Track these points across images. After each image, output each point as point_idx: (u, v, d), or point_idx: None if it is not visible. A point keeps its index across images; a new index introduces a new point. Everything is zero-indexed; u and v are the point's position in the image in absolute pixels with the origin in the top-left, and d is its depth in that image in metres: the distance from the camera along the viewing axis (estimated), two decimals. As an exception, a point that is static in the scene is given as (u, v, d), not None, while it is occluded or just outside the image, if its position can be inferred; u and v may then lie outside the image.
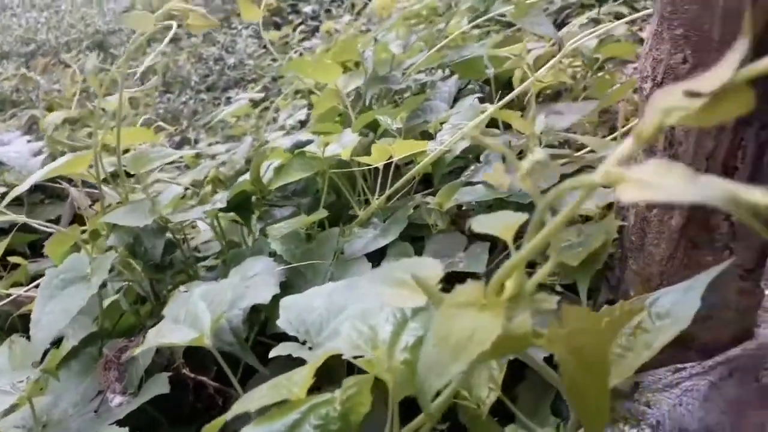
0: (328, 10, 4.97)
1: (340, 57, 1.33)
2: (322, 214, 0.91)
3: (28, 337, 1.23)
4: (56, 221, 1.75)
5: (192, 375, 0.93)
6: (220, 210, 0.99)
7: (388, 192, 0.93)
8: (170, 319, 0.77)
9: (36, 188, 1.75)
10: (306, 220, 0.90)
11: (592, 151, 1.02)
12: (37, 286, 1.44)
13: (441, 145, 0.88)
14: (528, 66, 1.07)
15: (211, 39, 5.05)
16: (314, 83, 2.42)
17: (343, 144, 0.92)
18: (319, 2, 5.01)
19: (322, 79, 1.19)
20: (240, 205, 1.03)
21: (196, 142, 3.28)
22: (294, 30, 4.60)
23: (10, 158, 1.72)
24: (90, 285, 0.87)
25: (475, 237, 0.91)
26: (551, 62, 0.93)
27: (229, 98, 3.91)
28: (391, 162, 0.95)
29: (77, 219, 1.87)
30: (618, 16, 2.06)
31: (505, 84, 1.44)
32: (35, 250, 1.71)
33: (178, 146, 3.26)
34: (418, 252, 0.89)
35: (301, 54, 4.15)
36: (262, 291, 0.77)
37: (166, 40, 0.93)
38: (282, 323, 0.62)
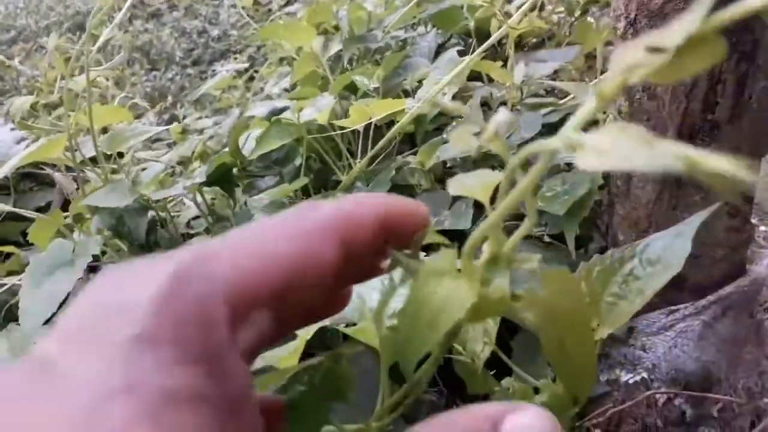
0: (308, -26, 4.84)
1: (314, 19, 1.28)
2: (302, 181, 0.89)
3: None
4: (46, 208, 1.73)
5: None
6: (202, 184, 0.96)
7: (369, 154, 0.90)
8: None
9: (25, 176, 1.72)
10: (287, 188, 0.87)
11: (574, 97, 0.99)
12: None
13: (419, 102, 0.85)
14: (501, 13, 1.02)
15: (194, 12, 4.96)
16: (296, 49, 2.36)
17: (318, 108, 0.89)
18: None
19: (297, 43, 1.14)
20: (222, 178, 1.00)
21: (185, 117, 3.23)
22: (277, -3, 4.49)
23: (-6, 148, 1.69)
24: (74, 269, 0.85)
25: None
26: (523, 7, 0.88)
27: (215, 71, 3.83)
28: (371, 124, 0.92)
29: (67, 204, 1.85)
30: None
31: (486, 35, 1.40)
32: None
33: (167, 123, 3.21)
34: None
35: (281, 17, 4.06)
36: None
37: (123, 10, 0.88)
38: None
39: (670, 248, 0.58)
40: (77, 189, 1.60)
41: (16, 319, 1.32)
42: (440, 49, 1.25)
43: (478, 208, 0.82)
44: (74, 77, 0.97)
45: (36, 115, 2.15)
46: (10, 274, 1.44)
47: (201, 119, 2.49)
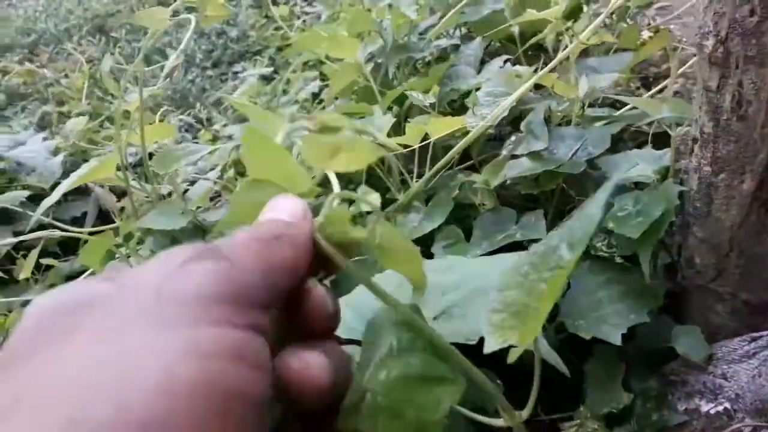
0: (325, -27, 4.80)
1: (354, 28, 1.25)
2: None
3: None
4: (82, 218, 1.71)
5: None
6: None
7: (429, 173, 0.88)
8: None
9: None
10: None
11: (632, 107, 0.96)
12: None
13: (483, 120, 0.82)
14: (563, 23, 0.99)
15: (212, 13, 4.92)
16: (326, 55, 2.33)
17: (378, 126, 0.86)
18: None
19: (339, 55, 1.12)
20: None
21: (209, 121, 3.23)
22: (296, -4, 4.48)
23: (27, 158, 1.68)
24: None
25: (523, 209, 0.86)
26: (596, 22, 0.85)
27: (235, 73, 3.82)
28: (428, 142, 0.89)
29: (102, 215, 1.84)
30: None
31: (529, 41, 1.37)
32: (66, 249, 1.68)
33: (190, 127, 3.21)
34: (467, 233, 0.84)
35: (304, 21, 4.03)
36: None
37: (186, 38, 0.86)
38: None
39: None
40: (117, 201, 1.59)
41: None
42: (484, 58, 1.22)
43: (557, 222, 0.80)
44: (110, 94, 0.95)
45: (62, 113, 2.14)
46: (51, 286, 1.43)
47: (227, 126, 2.48)
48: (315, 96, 2.23)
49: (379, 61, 1.29)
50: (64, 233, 1.64)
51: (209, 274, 0.26)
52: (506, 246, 0.79)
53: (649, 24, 1.55)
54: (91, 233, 1.41)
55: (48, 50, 4.62)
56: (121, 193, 1.65)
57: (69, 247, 1.70)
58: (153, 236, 0.93)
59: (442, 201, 0.87)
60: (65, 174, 1.64)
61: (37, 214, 0.93)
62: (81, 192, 1.82)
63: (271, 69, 2.74)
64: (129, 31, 4.73)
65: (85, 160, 1.81)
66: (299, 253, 0.31)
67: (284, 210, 0.32)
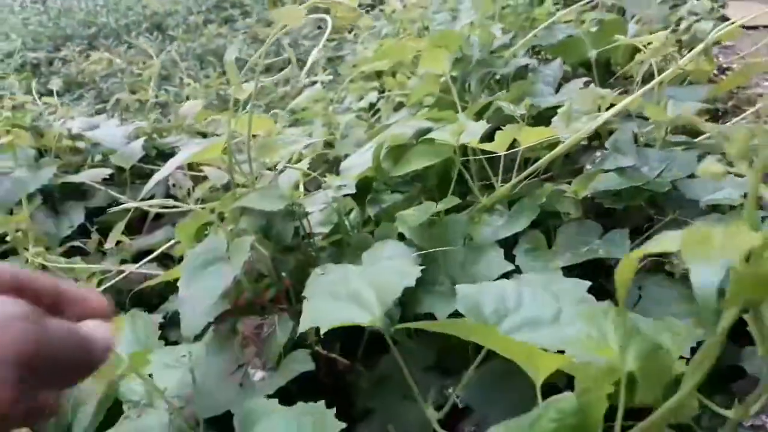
0: (380, -9, 4.91)
1: (442, 42, 1.30)
2: (453, 201, 0.91)
3: (148, 311, 1.27)
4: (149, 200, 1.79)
5: (324, 352, 0.94)
6: (345, 195, 1.00)
7: (515, 179, 0.92)
8: (324, 298, 0.77)
9: (123, 168, 1.78)
10: (438, 207, 0.90)
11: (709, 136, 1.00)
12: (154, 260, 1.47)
13: (576, 134, 0.87)
14: (647, 49, 1.04)
15: (266, 20, 5.06)
16: (388, 66, 2.39)
17: (471, 133, 0.91)
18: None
19: (428, 67, 1.17)
20: (360, 191, 1.03)
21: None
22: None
23: (106, 140, 1.76)
24: (233, 266, 0.88)
25: (609, 224, 0.90)
26: (696, 49, 0.90)
27: (287, 80, 3.90)
28: (514, 149, 0.94)
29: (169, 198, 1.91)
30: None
31: (605, 66, 1.42)
32: (130, 229, 1.75)
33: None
34: (549, 240, 0.89)
35: (355, 34, 4.12)
36: (407, 276, 0.77)
37: (324, 38, 0.92)
38: (460, 308, 0.64)
39: None
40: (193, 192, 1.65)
41: (141, 305, 1.38)
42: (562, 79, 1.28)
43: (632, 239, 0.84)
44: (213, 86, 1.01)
45: (141, 110, 2.23)
46: (123, 262, 1.49)
47: (286, 127, 2.54)
48: (372, 106, 2.30)
49: (453, 74, 1.35)
50: (136, 210, 1.72)
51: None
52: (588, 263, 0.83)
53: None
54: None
55: (107, 43, 4.75)
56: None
57: (133, 228, 1.78)
58: (248, 216, 0.98)
59: (527, 206, 0.91)
60: (145, 156, 1.72)
61: (150, 186, 0.99)
62: (147, 176, 1.90)
63: (331, 77, 2.80)
64: (185, 30, 4.86)
65: (156, 149, 1.89)
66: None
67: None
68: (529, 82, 1.22)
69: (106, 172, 1.52)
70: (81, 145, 1.81)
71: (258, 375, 0.89)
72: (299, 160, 1.38)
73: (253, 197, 0.96)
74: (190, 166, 1.80)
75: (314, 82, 2.62)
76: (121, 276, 1.35)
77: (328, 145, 2.11)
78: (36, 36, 4.52)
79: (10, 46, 4.34)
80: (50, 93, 3.02)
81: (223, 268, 0.90)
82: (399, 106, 2.23)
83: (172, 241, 1.45)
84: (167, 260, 1.63)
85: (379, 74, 2.72)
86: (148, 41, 4.64)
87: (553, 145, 0.97)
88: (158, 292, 1.46)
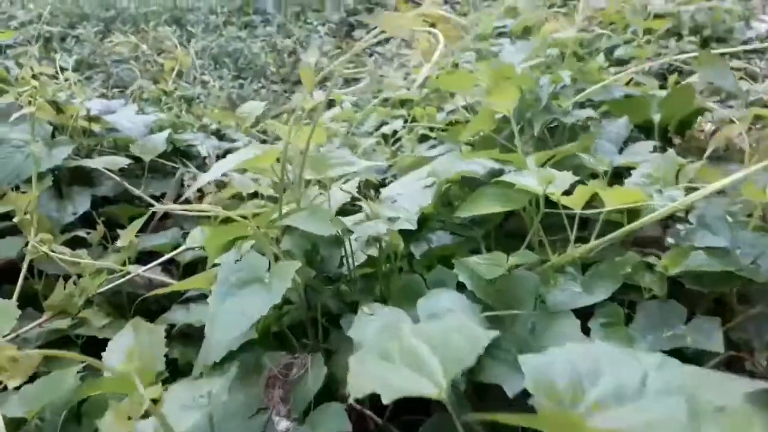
0: (404, 19, 4.86)
1: (509, 81, 1.21)
2: (528, 256, 0.81)
3: (150, 320, 1.15)
4: (159, 199, 1.67)
5: (358, 407, 0.83)
6: (401, 230, 0.89)
7: (595, 241, 0.83)
8: (374, 357, 0.66)
9: (137, 160, 1.66)
10: (511, 260, 0.80)
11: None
12: (162, 264, 1.35)
13: (672, 204, 0.78)
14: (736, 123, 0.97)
15: (287, 31, 4.99)
16: (419, 96, 2.31)
17: (560, 184, 0.82)
18: (396, 9, 4.92)
19: (496, 100, 1.09)
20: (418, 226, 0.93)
21: (265, 132, 3.21)
22: (368, 33, 4.54)
23: (126, 128, 1.64)
24: (272, 293, 0.77)
25: (695, 308, 0.81)
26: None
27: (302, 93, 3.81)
28: (592, 206, 0.85)
29: (177, 201, 1.79)
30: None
31: (665, 130, 1.34)
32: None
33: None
34: (628, 317, 0.79)
35: (374, 57, 4.06)
36: (477, 341, 0.67)
37: (435, 57, 0.82)
38: (528, 385, 0.53)
39: None
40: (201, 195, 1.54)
41: (139, 312, 1.25)
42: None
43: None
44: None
45: (163, 101, 2.11)
46: (125, 263, 1.37)
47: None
48: (394, 133, 2.21)
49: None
50: (138, 208, 1.59)
51: None
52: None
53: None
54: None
55: (124, 28, 4.65)
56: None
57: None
58: (292, 236, 0.88)
59: (607, 274, 0.82)
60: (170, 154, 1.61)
61: (194, 188, 0.88)
62: (158, 171, 1.78)
63: (356, 98, 2.72)
64: (204, 29, 4.77)
65: (173, 144, 1.78)
66: None
67: None
68: (592, 136, 1.14)
69: (125, 161, 1.41)
70: (96, 128, 1.69)
71: (283, 425, 0.77)
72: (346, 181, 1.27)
73: (303, 217, 0.85)
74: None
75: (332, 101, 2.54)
76: (126, 278, 1.22)
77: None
78: (53, 10, 4.40)
79: (26, 16, 4.21)
80: (60, 70, 2.90)
81: (260, 293, 0.79)
82: (423, 138, 2.15)
83: (182, 248, 1.33)
84: (170, 265, 1.51)
85: (402, 102, 2.64)
86: (165, 33, 4.54)
87: (634, 211, 0.89)
88: (156, 299, 1.34)
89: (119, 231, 1.46)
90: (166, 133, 1.55)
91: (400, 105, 2.62)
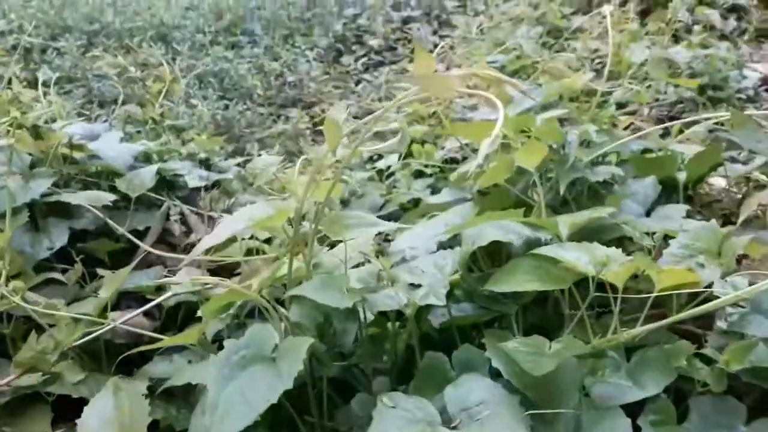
0: (393, 48, 4.85)
1: (540, 137, 1.12)
2: (575, 346, 0.71)
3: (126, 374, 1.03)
4: (143, 233, 1.54)
5: None
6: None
7: (644, 327, 0.74)
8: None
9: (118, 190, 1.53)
10: (554, 347, 0.70)
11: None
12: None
13: (736, 292, 0.69)
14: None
15: (274, 53, 4.91)
16: (419, 133, 2.21)
17: (614, 264, 0.73)
18: (385, 38, 4.88)
19: (523, 159, 1.00)
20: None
21: (249, 155, 3.10)
22: (356, 61, 4.50)
23: (110, 158, 1.52)
24: (281, 376, 0.66)
25: (743, 398, 0.72)
26: None
27: (287, 116, 3.73)
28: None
29: (164, 235, 1.66)
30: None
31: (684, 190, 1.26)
32: (116, 260, 1.49)
33: (232, 155, 3.10)
34: (680, 415, 0.70)
35: (357, 83, 3.98)
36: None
37: (497, 128, 0.72)
38: None
39: None
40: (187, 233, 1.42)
41: (122, 364, 1.13)
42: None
43: None
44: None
45: (146, 123, 1.98)
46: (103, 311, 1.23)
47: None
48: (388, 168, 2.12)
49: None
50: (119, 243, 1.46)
51: None
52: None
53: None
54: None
55: (108, 43, 4.52)
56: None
57: (118, 259, 1.52)
58: (302, 307, 0.77)
59: (655, 364, 0.73)
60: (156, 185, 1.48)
61: (199, 251, 0.76)
62: (145, 203, 1.65)
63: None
64: (191, 48, 4.66)
65: (159, 174, 1.65)
66: None
67: None
68: (619, 198, 1.05)
69: (109, 197, 1.29)
70: (78, 155, 1.57)
71: None
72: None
73: (315, 286, 0.75)
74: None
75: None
76: (106, 328, 1.10)
77: (342, 202, 1.91)
78: (35, 21, 4.25)
79: (7, 26, 4.06)
80: (37, 81, 2.77)
81: (268, 376, 0.68)
82: (418, 174, 2.06)
83: (168, 294, 1.21)
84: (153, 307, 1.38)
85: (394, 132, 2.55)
86: (150, 50, 4.43)
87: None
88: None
89: (98, 269, 1.34)
90: (154, 167, 1.43)
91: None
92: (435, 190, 1.83)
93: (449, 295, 0.84)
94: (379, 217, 1.83)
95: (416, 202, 1.81)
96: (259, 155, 3.16)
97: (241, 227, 0.74)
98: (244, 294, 0.77)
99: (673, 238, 0.90)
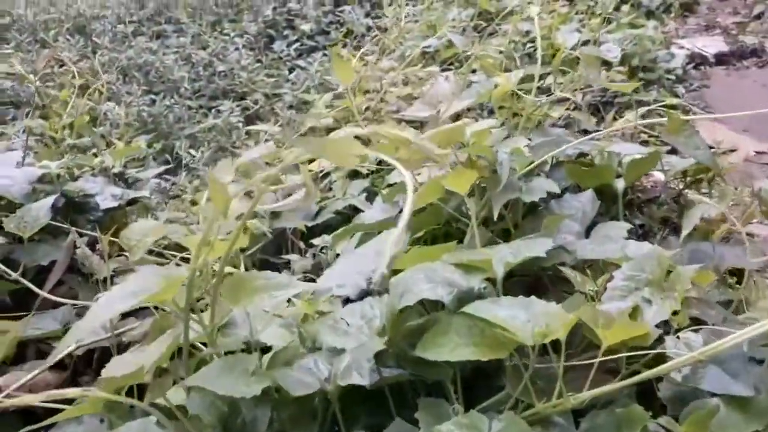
0: (326, 32, 4.67)
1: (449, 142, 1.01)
2: (515, 424, 0.61)
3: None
4: (48, 267, 1.37)
5: None
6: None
7: (590, 391, 0.64)
8: None
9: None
10: (494, 428, 0.59)
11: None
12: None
13: (691, 353, 0.60)
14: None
15: (201, 42, 4.66)
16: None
17: (554, 327, 0.62)
18: (317, 21, 4.68)
19: (454, 187, 0.88)
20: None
21: (178, 154, 2.92)
22: (289, 46, 4.30)
23: (1, 186, 1.33)
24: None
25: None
26: None
27: (218, 109, 3.52)
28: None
29: (71, 270, 1.48)
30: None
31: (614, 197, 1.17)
32: (20, 300, 1.32)
33: (159, 156, 2.90)
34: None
35: (291, 70, 3.80)
36: None
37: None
38: None
39: None
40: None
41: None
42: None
43: None
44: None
45: (53, 139, 1.77)
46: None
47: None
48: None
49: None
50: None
51: None
52: None
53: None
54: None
55: (20, 38, 4.19)
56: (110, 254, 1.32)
57: (22, 298, 1.35)
58: (203, 395, 0.64)
59: (600, 428, 0.63)
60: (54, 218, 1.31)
61: (58, 352, 0.61)
62: (52, 232, 1.47)
63: (279, 128, 2.47)
64: (111, 39, 4.37)
65: (66, 196, 1.47)
66: None
67: None
68: (557, 219, 0.95)
69: (-3, 242, 1.11)
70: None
71: None
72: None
73: (214, 372, 0.62)
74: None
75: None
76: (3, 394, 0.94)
77: (274, 215, 1.77)
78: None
79: None
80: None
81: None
82: (354, 175, 1.93)
83: (74, 346, 1.06)
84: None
85: (329, 132, 2.41)
86: (68, 44, 4.13)
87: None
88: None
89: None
90: (50, 200, 1.25)
91: (326, 134, 2.40)
92: (370, 194, 1.72)
93: (378, 356, 0.72)
94: (313, 227, 1.72)
95: (353, 208, 1.70)
96: (188, 152, 2.97)
97: (120, 309, 0.60)
98: (116, 400, 0.64)
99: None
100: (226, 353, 0.67)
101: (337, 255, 1.43)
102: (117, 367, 0.67)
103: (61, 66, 3.50)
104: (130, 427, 0.61)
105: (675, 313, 0.71)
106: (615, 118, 1.88)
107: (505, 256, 0.79)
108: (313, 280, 1.55)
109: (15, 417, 1.03)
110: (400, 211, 1.21)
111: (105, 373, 0.67)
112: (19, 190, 1.34)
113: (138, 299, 0.61)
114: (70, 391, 0.62)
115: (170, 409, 0.64)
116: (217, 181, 0.59)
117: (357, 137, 0.53)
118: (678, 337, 0.65)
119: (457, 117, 1.64)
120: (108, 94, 3.59)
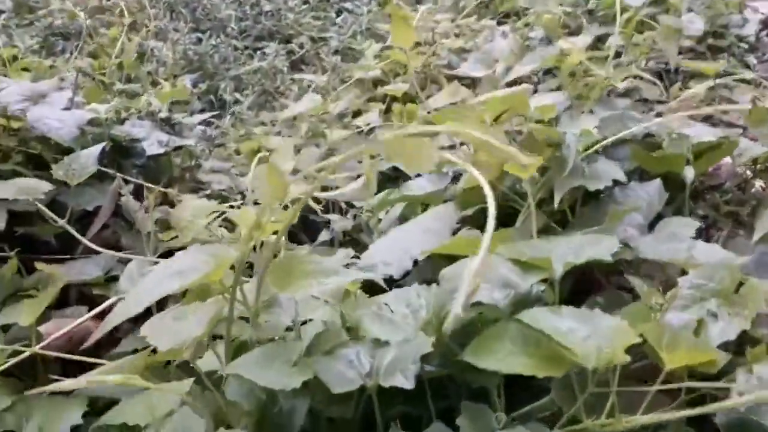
0: (376, -25, 4.47)
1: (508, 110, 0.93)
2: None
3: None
4: (92, 213, 1.36)
5: None
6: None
7: (643, 417, 0.60)
8: None
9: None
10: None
11: None
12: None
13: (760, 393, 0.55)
14: None
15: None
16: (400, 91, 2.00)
17: (615, 348, 0.58)
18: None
19: (515, 171, 0.83)
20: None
21: (222, 97, 2.89)
22: (335, -11, 4.15)
23: (50, 131, 1.32)
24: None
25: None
26: None
27: (263, 51, 3.45)
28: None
29: (117, 211, 1.48)
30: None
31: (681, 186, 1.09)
32: (65, 243, 1.32)
33: (203, 97, 2.88)
34: None
35: (338, 13, 3.68)
36: None
37: None
38: None
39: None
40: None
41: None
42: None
43: None
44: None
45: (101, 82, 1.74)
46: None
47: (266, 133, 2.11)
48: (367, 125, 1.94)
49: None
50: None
51: None
52: None
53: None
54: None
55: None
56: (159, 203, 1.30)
57: (66, 242, 1.35)
58: (241, 383, 0.62)
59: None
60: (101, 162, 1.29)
61: (100, 332, 0.60)
62: (98, 177, 1.45)
63: (325, 78, 2.40)
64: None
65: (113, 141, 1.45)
66: None
67: None
68: (622, 212, 0.89)
69: (46, 187, 1.11)
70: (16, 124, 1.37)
71: None
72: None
73: (255, 361, 0.60)
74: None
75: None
76: (39, 347, 0.95)
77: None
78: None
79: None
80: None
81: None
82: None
83: (114, 299, 1.05)
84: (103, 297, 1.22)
85: (375, 84, 2.34)
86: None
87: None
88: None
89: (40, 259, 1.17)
90: (98, 147, 1.23)
91: (373, 87, 2.33)
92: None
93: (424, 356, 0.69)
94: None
95: (394, 168, 1.65)
96: (233, 95, 2.94)
97: (168, 290, 0.58)
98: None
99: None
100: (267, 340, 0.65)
101: (379, 220, 1.39)
102: (157, 330, 0.65)
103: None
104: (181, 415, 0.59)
105: (745, 332, 0.66)
106: (680, 89, 1.77)
107: (566, 254, 0.73)
108: (355, 242, 1.52)
109: (55, 365, 1.04)
110: (450, 181, 1.15)
111: (143, 331, 0.65)
112: (68, 133, 1.32)
113: (186, 280, 0.58)
114: (113, 372, 0.60)
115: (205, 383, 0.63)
116: (277, 169, 0.55)
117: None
118: (751, 371, 0.60)
119: (514, 81, 1.56)
120: (155, 29, 3.55)
